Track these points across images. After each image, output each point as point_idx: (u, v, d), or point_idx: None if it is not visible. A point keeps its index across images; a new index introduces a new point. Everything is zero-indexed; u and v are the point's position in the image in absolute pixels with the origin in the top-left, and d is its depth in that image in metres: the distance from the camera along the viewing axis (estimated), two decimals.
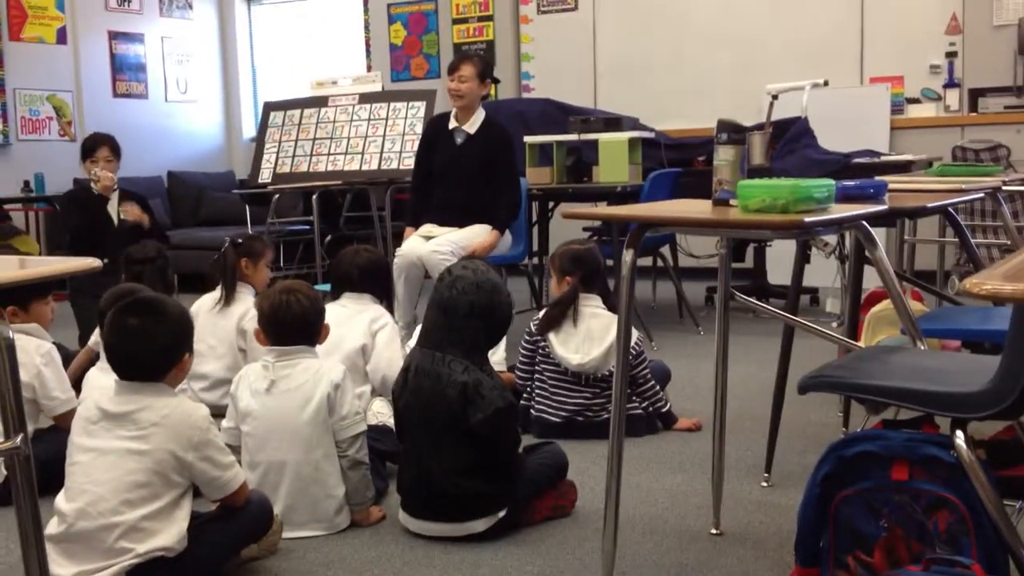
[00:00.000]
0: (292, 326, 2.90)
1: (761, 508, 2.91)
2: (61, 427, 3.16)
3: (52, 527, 2.31)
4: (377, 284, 3.77)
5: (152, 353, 2.41)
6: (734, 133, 2.36)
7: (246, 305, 4.04)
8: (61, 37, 8.63)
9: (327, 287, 4.25)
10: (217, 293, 4.08)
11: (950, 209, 3.09)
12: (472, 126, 5.06)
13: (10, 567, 2.66)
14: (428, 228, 5.00)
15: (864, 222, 2.29)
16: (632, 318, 2.36)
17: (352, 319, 3.59)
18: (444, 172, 5.08)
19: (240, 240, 4.17)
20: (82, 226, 5.20)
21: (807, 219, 1.99)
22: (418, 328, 2.96)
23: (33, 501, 1.53)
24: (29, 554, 1.54)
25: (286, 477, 2.78)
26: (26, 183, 8.07)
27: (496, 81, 5.24)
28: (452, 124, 5.11)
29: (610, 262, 4.17)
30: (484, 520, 2.74)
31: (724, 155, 2.34)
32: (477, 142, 5.03)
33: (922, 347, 2.31)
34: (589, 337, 3.66)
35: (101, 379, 3.03)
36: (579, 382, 3.66)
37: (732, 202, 2.26)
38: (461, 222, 4.95)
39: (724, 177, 2.33)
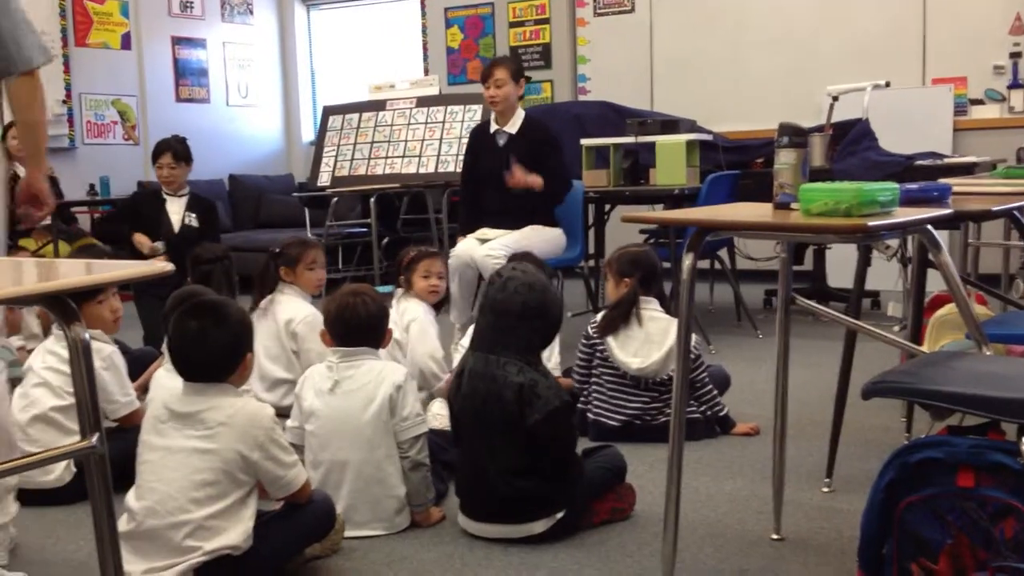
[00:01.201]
0: (358, 328, 2.95)
1: (822, 514, 2.88)
2: (124, 427, 3.24)
3: (122, 525, 2.36)
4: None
5: (214, 355, 2.46)
6: (795, 136, 2.35)
7: (293, 308, 4.08)
8: (126, 43, 8.79)
9: (388, 288, 4.30)
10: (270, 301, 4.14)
11: (1015, 212, 3.04)
12: (513, 126, 5.10)
13: (80, 564, 2.72)
14: (483, 232, 5.03)
15: (928, 226, 2.27)
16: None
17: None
18: (492, 175, 5.11)
19: (279, 249, 4.22)
20: (122, 229, 5.36)
21: (871, 223, 1.97)
22: (470, 330, 2.99)
23: (108, 500, 1.57)
24: (104, 552, 1.58)
25: (348, 476, 2.82)
26: (91, 186, 8.23)
27: (528, 79, 5.28)
28: (493, 128, 5.15)
29: (667, 264, 4.16)
30: (543, 522, 2.75)
31: (785, 158, 2.33)
32: (520, 141, 5.07)
33: (987, 352, 2.28)
34: (648, 341, 3.65)
35: (167, 380, 3.09)
36: (638, 386, 3.66)
37: (793, 205, 2.25)
38: (514, 224, 4.97)
39: (785, 180, 2.32)
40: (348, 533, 2.76)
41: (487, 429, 2.76)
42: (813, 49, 7.54)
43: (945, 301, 3.79)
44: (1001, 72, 7.07)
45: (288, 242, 4.30)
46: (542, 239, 4.94)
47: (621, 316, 3.71)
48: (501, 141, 5.12)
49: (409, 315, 3.79)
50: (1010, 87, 7.06)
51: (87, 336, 1.55)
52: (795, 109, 6.53)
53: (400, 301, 3.92)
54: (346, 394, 2.87)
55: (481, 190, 5.18)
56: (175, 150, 5.39)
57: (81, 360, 1.55)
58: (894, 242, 5.28)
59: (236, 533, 2.35)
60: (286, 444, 2.49)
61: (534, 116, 5.25)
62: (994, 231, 5.44)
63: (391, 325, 3.60)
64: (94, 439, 1.55)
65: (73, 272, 1.73)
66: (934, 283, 3.12)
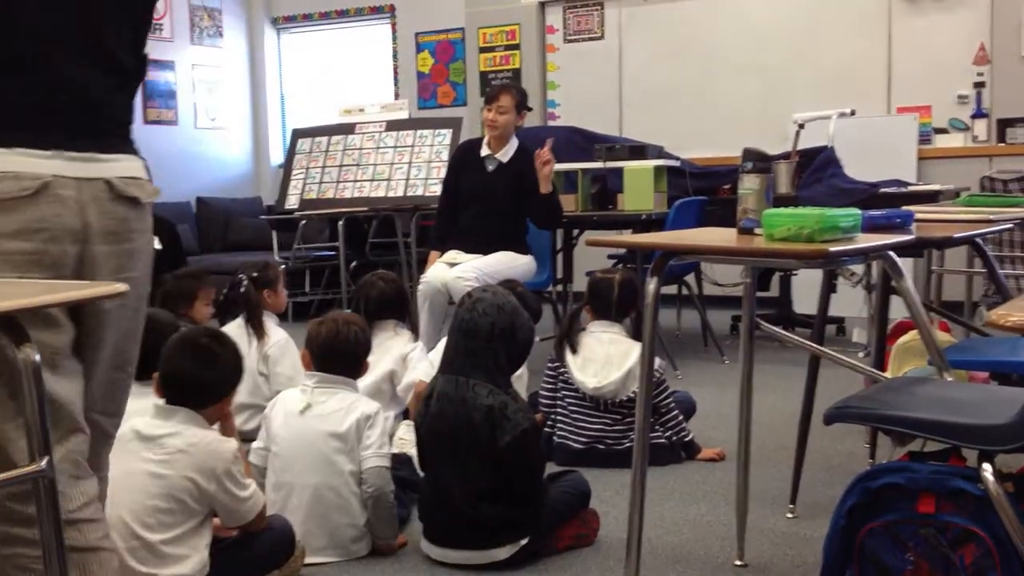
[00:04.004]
0: (344, 356, 2.96)
1: (786, 539, 2.88)
2: None
3: None
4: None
5: (215, 379, 2.50)
6: (759, 162, 2.36)
7: (268, 332, 4.04)
8: None
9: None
10: (240, 326, 4.03)
11: (978, 240, 3.07)
12: (505, 155, 5.08)
13: None
14: (453, 255, 5.00)
15: (891, 252, 2.28)
16: (656, 346, 2.35)
17: (383, 344, 3.67)
18: (473, 199, 5.09)
19: (255, 273, 4.15)
20: None
21: (832, 249, 1.98)
22: (435, 352, 2.98)
23: (57, 525, 1.54)
24: None
25: (307, 500, 2.78)
26: None
27: (529, 109, 5.27)
28: (484, 151, 5.12)
29: None
30: (507, 547, 2.73)
31: (749, 184, 2.34)
32: (510, 170, 5.04)
33: (949, 378, 2.28)
34: (608, 362, 3.68)
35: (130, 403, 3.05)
36: (598, 407, 3.66)
37: (757, 231, 2.25)
38: (486, 248, 4.96)
39: (749, 206, 2.33)
40: (307, 560, 2.72)
41: (456, 452, 2.74)
42: (780, 77, 7.60)
43: (909, 328, 3.80)
44: (965, 101, 7.15)
45: (257, 264, 4.25)
46: (513, 265, 4.93)
47: (559, 341, 3.81)
48: (490, 167, 5.10)
49: (410, 345, 3.80)
50: (974, 116, 7.13)
51: (36, 358, 1.52)
52: (762, 136, 6.53)
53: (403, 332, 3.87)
54: (315, 418, 2.85)
55: (457, 209, 5.15)
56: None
57: (31, 383, 1.51)
58: (859, 268, 5.32)
59: (192, 562, 2.32)
60: (243, 480, 2.46)
61: (527, 146, 5.17)
62: (957, 258, 5.48)
63: (392, 356, 3.64)
64: (43, 463, 1.51)
65: (24, 293, 1.69)
66: (898, 310, 3.13)
